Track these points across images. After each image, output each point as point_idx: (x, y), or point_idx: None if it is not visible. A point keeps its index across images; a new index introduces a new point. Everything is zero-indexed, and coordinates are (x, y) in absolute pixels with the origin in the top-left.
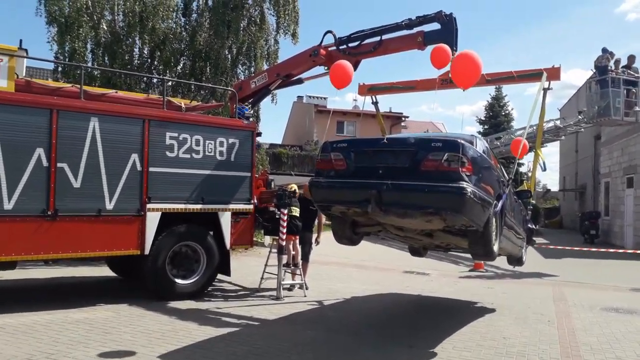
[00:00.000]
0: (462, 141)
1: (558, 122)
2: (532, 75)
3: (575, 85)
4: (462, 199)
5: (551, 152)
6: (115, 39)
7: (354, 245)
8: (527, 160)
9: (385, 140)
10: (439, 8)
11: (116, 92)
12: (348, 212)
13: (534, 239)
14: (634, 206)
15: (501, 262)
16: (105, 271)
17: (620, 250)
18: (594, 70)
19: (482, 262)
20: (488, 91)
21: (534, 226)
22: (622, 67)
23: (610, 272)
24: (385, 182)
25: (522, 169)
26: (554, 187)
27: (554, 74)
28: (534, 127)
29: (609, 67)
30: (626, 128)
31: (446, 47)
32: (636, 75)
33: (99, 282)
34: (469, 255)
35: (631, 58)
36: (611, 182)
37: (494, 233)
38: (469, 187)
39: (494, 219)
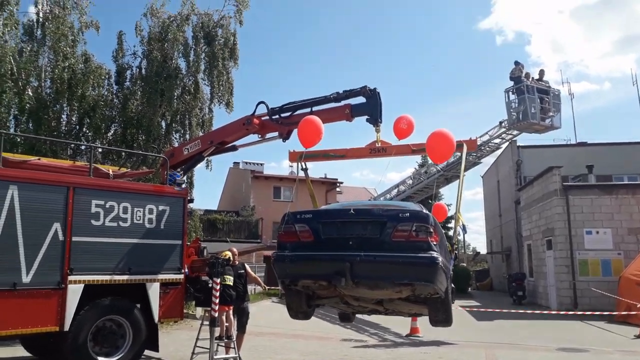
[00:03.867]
0: (427, 212)
1: (482, 138)
2: None
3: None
4: (435, 269)
5: (477, 217)
6: (41, 105)
7: (307, 319)
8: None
9: (352, 211)
10: (365, 83)
11: (39, 159)
12: (314, 285)
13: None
14: (555, 267)
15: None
16: (19, 351)
17: (545, 312)
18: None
19: (418, 327)
20: (415, 159)
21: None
22: (535, 79)
23: (539, 333)
24: (358, 254)
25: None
26: (483, 249)
27: (471, 145)
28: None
29: (522, 78)
30: (542, 193)
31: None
32: (547, 85)
33: None
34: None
35: (542, 72)
36: (532, 245)
37: (451, 298)
38: (439, 257)
39: (450, 286)
